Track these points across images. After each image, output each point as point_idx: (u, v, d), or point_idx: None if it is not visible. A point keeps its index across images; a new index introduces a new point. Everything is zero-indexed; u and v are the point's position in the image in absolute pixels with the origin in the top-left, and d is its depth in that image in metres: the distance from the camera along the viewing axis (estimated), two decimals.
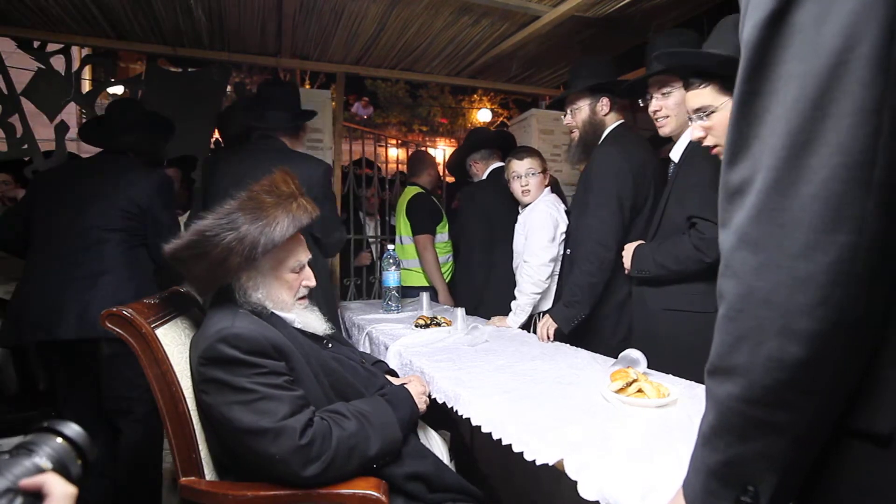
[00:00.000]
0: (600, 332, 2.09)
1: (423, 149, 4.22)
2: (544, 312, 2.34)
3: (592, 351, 1.87)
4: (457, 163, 3.32)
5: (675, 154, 1.84)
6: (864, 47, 0.42)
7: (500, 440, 1.19)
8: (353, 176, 3.76)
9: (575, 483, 0.96)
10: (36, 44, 2.95)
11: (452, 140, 11.99)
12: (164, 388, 1.20)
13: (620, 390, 1.29)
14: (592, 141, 2.19)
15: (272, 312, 1.33)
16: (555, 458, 1.02)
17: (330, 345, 1.47)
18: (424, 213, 3.25)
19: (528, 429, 1.14)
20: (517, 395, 1.38)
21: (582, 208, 2.11)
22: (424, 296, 2.69)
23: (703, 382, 0.57)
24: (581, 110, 2.21)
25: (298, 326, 1.37)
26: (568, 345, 1.96)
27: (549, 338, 2.05)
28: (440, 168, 3.48)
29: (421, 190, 3.35)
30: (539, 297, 2.35)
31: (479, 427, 1.29)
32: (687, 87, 1.49)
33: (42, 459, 0.52)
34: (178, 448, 1.20)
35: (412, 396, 1.40)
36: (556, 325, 2.05)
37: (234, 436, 1.15)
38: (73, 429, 0.55)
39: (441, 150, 5.47)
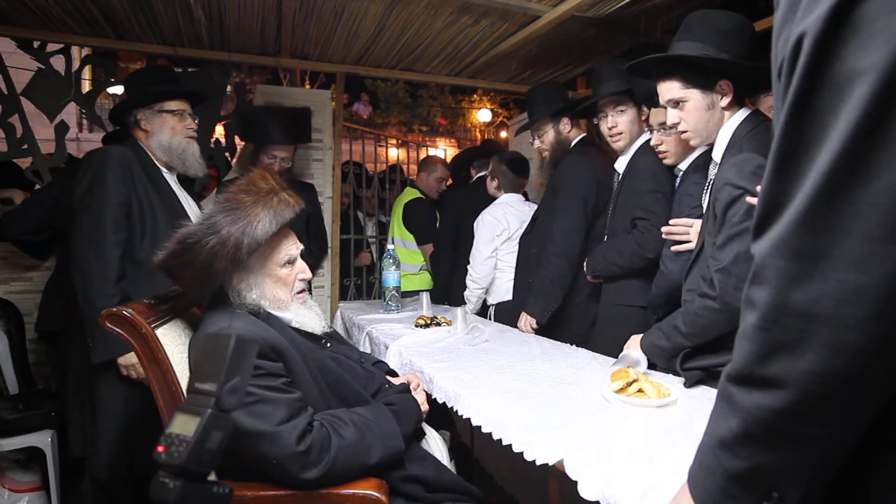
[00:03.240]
0: (570, 321, 2.32)
1: (443, 158, 4.23)
2: (494, 305, 2.77)
3: (560, 339, 2.09)
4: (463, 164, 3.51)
5: (620, 166, 2.13)
6: None
7: (500, 440, 1.19)
8: (352, 176, 3.76)
9: (575, 483, 0.96)
10: (36, 44, 2.94)
11: (452, 140, 11.99)
12: (164, 388, 1.20)
13: (621, 390, 1.29)
14: (562, 157, 2.43)
15: (269, 313, 1.32)
16: (555, 458, 1.02)
17: (328, 344, 1.47)
18: (425, 221, 3.30)
19: (529, 429, 1.14)
20: (517, 395, 1.38)
21: (549, 210, 2.37)
22: (424, 296, 2.69)
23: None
24: (547, 134, 2.47)
25: (296, 326, 1.36)
26: (568, 345, 1.97)
27: (532, 329, 2.29)
28: (445, 175, 3.49)
29: (419, 195, 3.37)
30: (484, 289, 2.74)
31: (479, 427, 1.30)
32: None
33: None
34: None
35: (419, 408, 1.40)
36: (534, 318, 2.28)
37: (232, 438, 1.15)
38: None
39: (441, 150, 5.46)
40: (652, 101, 1.80)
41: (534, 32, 2.79)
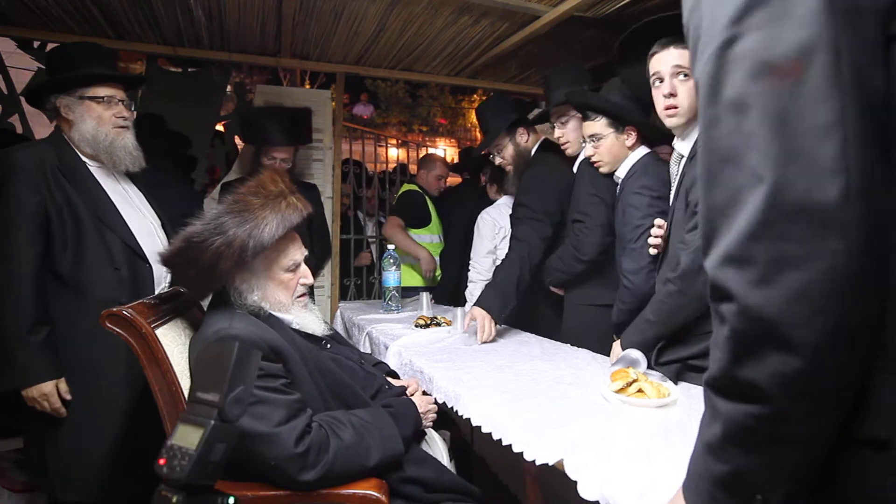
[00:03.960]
0: (539, 319, 2.42)
1: (442, 156, 4.22)
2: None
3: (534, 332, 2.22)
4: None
5: (575, 168, 2.22)
6: (815, 68, 0.44)
7: (500, 440, 1.19)
8: (353, 176, 3.76)
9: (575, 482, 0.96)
10: (36, 44, 2.95)
11: (452, 140, 11.99)
12: (164, 388, 1.20)
13: (620, 390, 1.29)
14: (524, 167, 2.43)
15: (270, 313, 1.32)
16: (555, 458, 1.02)
17: (328, 345, 1.47)
18: (406, 205, 3.30)
19: (528, 429, 1.14)
20: (517, 395, 1.38)
21: (513, 219, 2.38)
22: (424, 296, 2.69)
23: None
24: (507, 148, 2.47)
25: (296, 327, 1.36)
26: (568, 345, 1.97)
27: (490, 328, 2.08)
28: (444, 173, 3.48)
29: (415, 187, 3.37)
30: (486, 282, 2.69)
31: (479, 427, 1.30)
32: (585, 118, 1.94)
33: None
34: None
35: (418, 412, 1.39)
36: (489, 315, 2.12)
37: None
38: None
39: (441, 150, 5.47)
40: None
41: (534, 32, 2.79)
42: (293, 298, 1.36)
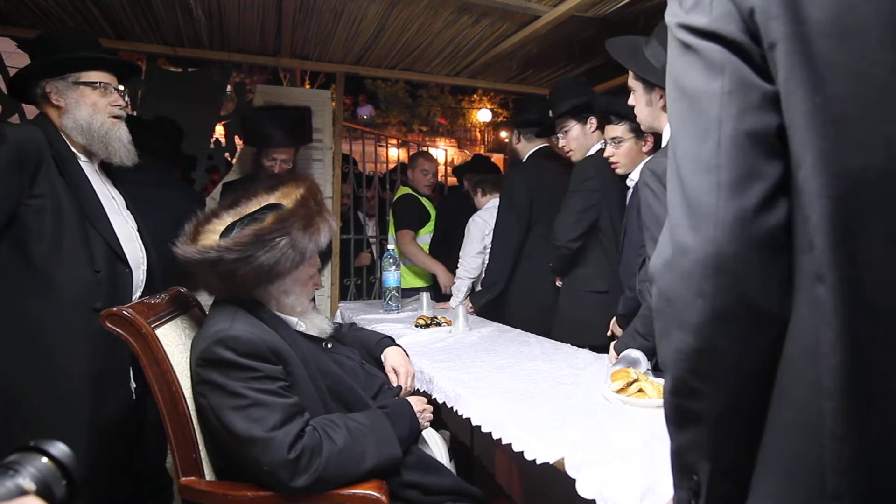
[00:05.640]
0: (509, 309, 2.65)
1: (424, 149, 4.22)
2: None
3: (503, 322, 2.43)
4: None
5: None
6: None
7: (499, 440, 1.19)
8: (353, 176, 3.76)
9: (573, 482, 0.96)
10: None
11: (452, 140, 12.00)
12: (164, 388, 1.20)
13: (621, 390, 1.29)
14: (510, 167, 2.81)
15: (274, 314, 1.32)
16: (555, 457, 1.02)
17: (330, 346, 1.47)
18: (405, 211, 3.30)
19: (529, 428, 1.14)
20: (517, 395, 1.38)
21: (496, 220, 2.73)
22: (424, 296, 2.69)
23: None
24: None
25: (300, 329, 1.37)
26: (569, 345, 1.97)
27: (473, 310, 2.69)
28: (429, 168, 3.48)
29: (409, 191, 3.38)
30: (472, 280, 3.00)
31: (479, 427, 1.29)
32: (608, 122, 2.06)
33: (25, 480, 0.48)
34: (178, 448, 1.20)
35: (414, 412, 1.39)
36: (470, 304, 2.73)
37: (227, 440, 1.15)
38: (59, 448, 0.52)
39: (441, 150, 5.47)
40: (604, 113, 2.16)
41: (534, 32, 2.79)
42: (308, 301, 1.41)
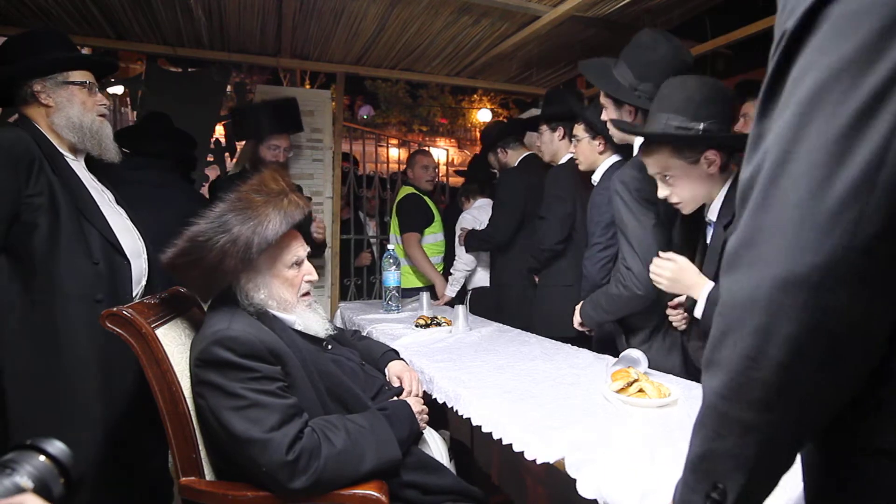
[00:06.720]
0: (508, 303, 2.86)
1: (424, 149, 4.21)
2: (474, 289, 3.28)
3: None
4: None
5: None
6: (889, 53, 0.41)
7: (500, 440, 1.19)
8: (353, 176, 3.76)
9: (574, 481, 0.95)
10: None
11: (452, 140, 11.99)
12: (164, 388, 1.20)
13: (621, 390, 1.29)
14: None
15: (273, 315, 1.32)
16: (555, 457, 1.02)
17: (329, 346, 1.46)
18: (410, 212, 3.30)
19: (529, 428, 1.14)
20: (517, 395, 1.38)
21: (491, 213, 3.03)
22: (424, 296, 2.69)
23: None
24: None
25: (298, 329, 1.36)
26: (569, 345, 1.97)
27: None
28: (429, 163, 3.47)
29: (413, 190, 3.37)
30: (469, 272, 3.21)
31: (479, 427, 1.29)
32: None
33: (22, 478, 0.49)
34: (178, 448, 1.20)
35: (413, 413, 1.38)
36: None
37: (226, 441, 1.15)
38: (56, 447, 0.52)
39: (442, 150, 5.46)
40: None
41: (534, 32, 2.79)
42: (298, 297, 1.37)
